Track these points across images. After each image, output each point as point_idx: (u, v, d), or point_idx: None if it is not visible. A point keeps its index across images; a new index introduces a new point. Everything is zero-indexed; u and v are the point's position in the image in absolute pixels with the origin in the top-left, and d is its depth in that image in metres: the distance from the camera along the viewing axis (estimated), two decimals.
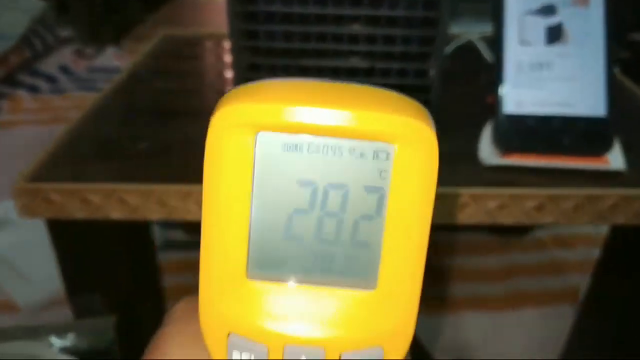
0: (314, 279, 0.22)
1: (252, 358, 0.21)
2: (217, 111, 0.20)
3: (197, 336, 0.22)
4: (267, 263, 0.21)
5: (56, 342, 0.67)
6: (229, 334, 0.21)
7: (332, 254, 0.21)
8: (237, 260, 0.21)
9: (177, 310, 0.24)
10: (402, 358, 0.22)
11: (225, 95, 0.21)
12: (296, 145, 0.20)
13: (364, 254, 0.21)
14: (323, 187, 0.21)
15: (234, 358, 0.21)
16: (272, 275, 0.21)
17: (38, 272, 1.23)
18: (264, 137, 0.20)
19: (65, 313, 0.78)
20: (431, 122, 0.20)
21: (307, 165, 0.20)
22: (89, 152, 0.65)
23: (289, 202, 0.21)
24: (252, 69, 0.62)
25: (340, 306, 0.21)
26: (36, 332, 0.68)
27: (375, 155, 0.20)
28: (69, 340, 0.68)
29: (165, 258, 1.29)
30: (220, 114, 0.20)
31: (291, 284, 0.22)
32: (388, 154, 0.20)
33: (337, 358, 0.21)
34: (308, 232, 0.21)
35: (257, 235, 0.21)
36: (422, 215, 0.20)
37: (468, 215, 0.59)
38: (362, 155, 0.20)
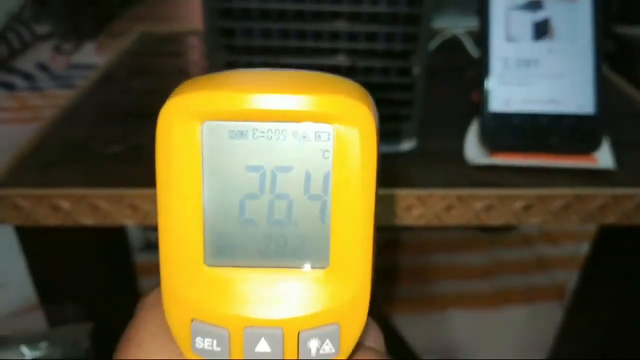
0: (270, 261, 0.22)
1: (214, 343, 0.22)
2: (165, 103, 0.21)
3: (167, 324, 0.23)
4: (223, 249, 0.22)
5: (27, 353, 0.65)
6: (191, 321, 0.22)
7: (284, 235, 0.22)
8: (194, 248, 0.22)
9: (148, 300, 0.25)
10: (357, 336, 0.23)
11: (177, 88, 0.22)
12: (242, 132, 0.21)
13: (315, 233, 0.22)
14: (271, 171, 0.22)
15: (197, 345, 0.22)
16: (229, 260, 0.22)
17: (10, 278, 1.20)
18: (210, 126, 0.21)
19: (39, 320, 0.76)
20: (369, 101, 0.21)
21: (254, 151, 0.21)
22: (58, 155, 0.62)
23: (240, 187, 0.22)
24: (229, 68, 0.60)
25: (295, 286, 0.22)
26: (6, 342, 0.66)
27: (317, 136, 0.21)
28: (41, 351, 0.65)
29: (144, 259, 1.26)
30: (167, 106, 0.21)
31: (248, 268, 0.23)
32: (328, 134, 0.21)
33: (296, 337, 0.22)
34: (260, 216, 0.22)
35: (211, 223, 0.22)
36: (365, 191, 0.21)
37: (454, 217, 0.57)
38: (304, 137, 0.21)
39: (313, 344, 0.22)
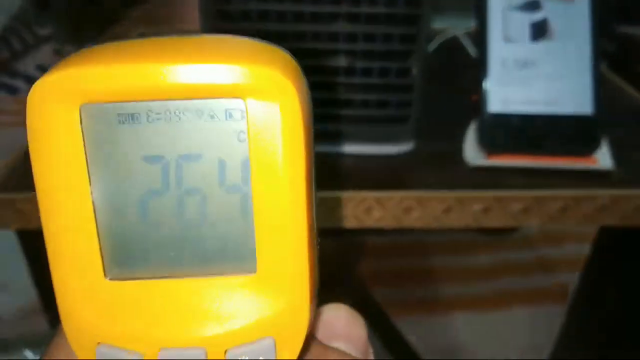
0: (183, 269, 0.19)
1: None
2: (34, 84, 0.17)
3: None
4: (126, 258, 0.19)
5: (30, 355, 0.65)
6: (97, 345, 0.19)
7: (200, 237, 0.19)
8: (90, 259, 0.19)
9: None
10: (298, 350, 0.19)
11: (53, 65, 0.18)
12: (132, 115, 0.17)
13: (236, 232, 0.19)
14: (175, 161, 0.18)
15: None
16: (135, 271, 0.19)
17: (13, 282, 1.20)
18: (90, 109, 0.17)
19: (42, 323, 0.76)
20: (292, 69, 0.18)
21: (151, 138, 0.18)
22: None
23: (138, 184, 0.18)
24: None
25: (218, 297, 0.19)
26: (9, 345, 0.66)
27: (228, 114, 0.18)
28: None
29: None
30: (36, 86, 0.17)
31: (159, 279, 0.19)
32: (242, 112, 0.18)
33: (222, 356, 0.19)
34: (167, 216, 0.18)
35: (106, 228, 0.18)
36: (292, 180, 0.18)
37: (453, 219, 0.57)
38: (212, 117, 0.18)
39: None
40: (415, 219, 0.57)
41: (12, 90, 2.27)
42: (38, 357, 0.64)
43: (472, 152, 0.60)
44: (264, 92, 0.17)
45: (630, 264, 0.79)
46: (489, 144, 0.60)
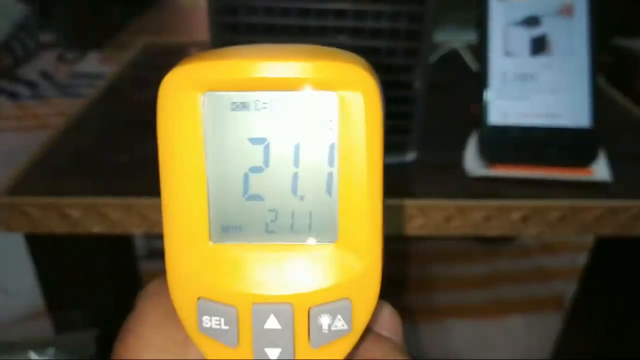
0: (277, 237, 0.22)
1: (222, 321, 0.21)
2: (166, 75, 0.20)
3: (170, 313, 0.22)
4: (228, 225, 0.22)
5: (35, 357, 0.66)
6: (197, 299, 0.22)
7: (290, 209, 0.22)
8: (199, 224, 0.21)
9: (148, 289, 0.24)
10: (370, 312, 0.22)
11: (180, 61, 0.21)
12: (243, 103, 0.21)
13: (322, 206, 0.22)
14: (275, 142, 0.21)
15: (203, 324, 0.21)
16: (235, 236, 0.22)
17: (18, 285, 1.21)
18: (211, 97, 0.21)
19: (47, 326, 0.77)
20: (370, 68, 0.21)
21: (257, 123, 0.21)
22: (68, 164, 0.63)
23: (243, 161, 0.21)
24: None
25: (304, 261, 0.22)
26: (14, 348, 0.67)
27: (321, 104, 0.21)
28: (48, 355, 0.66)
29: (149, 268, 1.27)
30: (168, 77, 0.20)
31: (255, 244, 0.22)
32: (332, 103, 0.21)
33: (306, 313, 0.21)
34: (265, 190, 0.21)
35: (215, 198, 0.21)
36: (371, 162, 0.21)
37: (454, 227, 0.59)
38: (308, 106, 0.21)
39: (324, 320, 0.22)
40: (417, 227, 0.58)
41: (14, 96, 2.27)
42: (42, 359, 0.65)
43: (473, 163, 0.62)
44: (352, 85, 0.20)
45: (627, 274, 0.80)
46: (489, 155, 0.61)
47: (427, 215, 0.58)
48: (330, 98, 0.20)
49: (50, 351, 0.65)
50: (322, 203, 0.21)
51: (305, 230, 0.22)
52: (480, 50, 0.62)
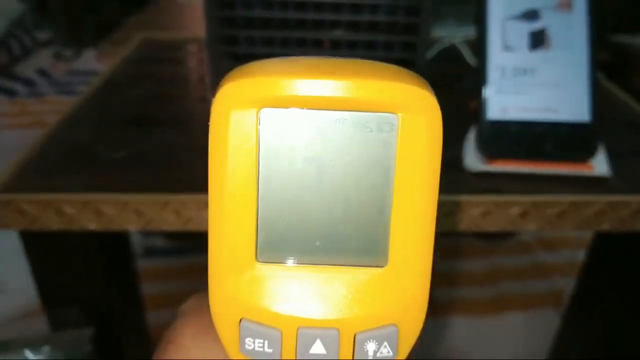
0: (325, 258, 0.21)
1: (265, 344, 0.21)
2: (219, 89, 0.20)
3: (210, 327, 0.22)
4: (276, 245, 0.21)
5: (30, 355, 0.65)
6: (240, 320, 0.21)
7: (341, 232, 0.21)
8: (247, 243, 0.21)
9: (188, 305, 0.25)
10: (415, 338, 0.22)
11: (228, 73, 0.20)
12: (300, 121, 0.20)
13: (373, 230, 0.21)
14: (329, 163, 0.20)
15: (246, 346, 0.21)
16: (282, 257, 0.21)
17: (13, 282, 1.20)
18: (267, 113, 0.20)
19: (42, 324, 0.76)
20: (430, 88, 0.20)
21: (312, 141, 0.20)
22: (63, 161, 0.63)
23: (296, 180, 0.20)
24: None
25: (352, 285, 0.21)
26: (9, 346, 0.66)
27: (380, 127, 0.20)
28: (44, 354, 0.66)
29: (145, 265, 1.27)
30: (222, 92, 0.20)
31: (302, 265, 0.21)
32: (392, 125, 0.20)
33: (352, 338, 0.21)
34: (316, 210, 0.21)
35: (265, 216, 0.21)
36: (429, 186, 0.20)
37: (453, 223, 0.58)
38: (366, 127, 0.20)
39: (370, 346, 0.21)
40: None
41: (11, 93, 2.27)
42: (37, 358, 0.64)
43: (472, 158, 0.61)
44: (415, 108, 0.20)
45: (626, 269, 0.80)
46: (488, 150, 0.61)
47: None
48: (390, 120, 0.20)
49: (46, 350, 0.65)
50: (373, 226, 0.21)
51: (355, 253, 0.21)
52: (479, 45, 0.62)
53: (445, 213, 0.57)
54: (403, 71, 0.20)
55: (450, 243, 1.42)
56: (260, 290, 0.21)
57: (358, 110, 0.20)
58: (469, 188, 0.59)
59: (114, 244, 0.83)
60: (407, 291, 0.21)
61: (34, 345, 0.66)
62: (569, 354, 0.97)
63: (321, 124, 0.20)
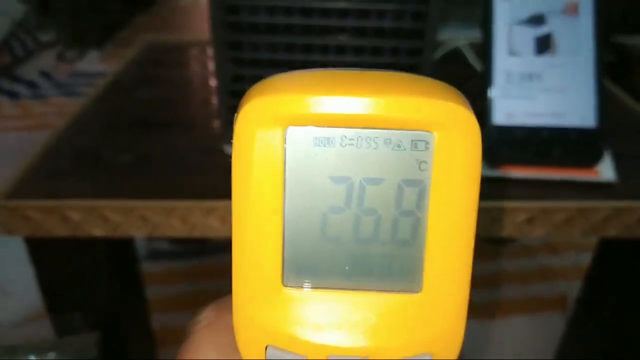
0: (355, 283, 0.20)
1: None
2: (243, 105, 0.19)
3: (228, 349, 0.21)
4: (303, 268, 0.20)
5: None
6: (266, 347, 0.20)
7: (372, 255, 0.20)
8: (272, 266, 0.20)
9: (202, 319, 0.23)
10: None
11: (251, 88, 0.20)
12: (328, 139, 0.19)
13: (407, 253, 0.20)
14: (359, 182, 0.19)
15: None
16: (310, 281, 0.20)
17: (18, 286, 1.20)
18: (294, 131, 0.19)
19: (48, 328, 0.76)
20: (469, 104, 0.19)
21: (341, 160, 0.19)
22: (68, 166, 0.63)
23: (324, 200, 0.20)
24: (236, 81, 0.61)
25: (383, 312, 0.20)
26: (14, 351, 0.66)
27: (414, 145, 0.19)
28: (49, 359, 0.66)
29: (150, 269, 1.27)
30: (247, 109, 0.19)
31: (331, 290, 0.20)
32: (427, 144, 0.19)
33: None
34: (345, 232, 0.20)
35: (291, 238, 0.20)
36: (467, 208, 0.19)
37: None
38: (399, 146, 0.19)
39: None
40: None
41: (14, 95, 2.27)
42: None
43: None
44: (451, 126, 0.18)
45: (631, 273, 0.80)
46: (493, 156, 0.60)
47: None
48: (425, 138, 0.19)
49: (51, 355, 0.65)
50: (407, 250, 0.20)
51: (386, 278, 0.20)
52: (485, 50, 0.62)
53: None
54: (437, 85, 0.19)
55: None
56: (287, 316, 0.20)
57: (390, 129, 0.19)
58: None
59: (119, 248, 0.83)
60: (442, 319, 0.20)
61: (40, 351, 0.66)
62: (573, 358, 0.97)
63: (350, 143, 0.19)
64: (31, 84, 2.33)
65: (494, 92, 0.61)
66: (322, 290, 0.20)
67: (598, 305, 0.89)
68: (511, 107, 0.61)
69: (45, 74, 2.39)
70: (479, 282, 1.32)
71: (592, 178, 0.60)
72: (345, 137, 0.19)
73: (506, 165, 0.61)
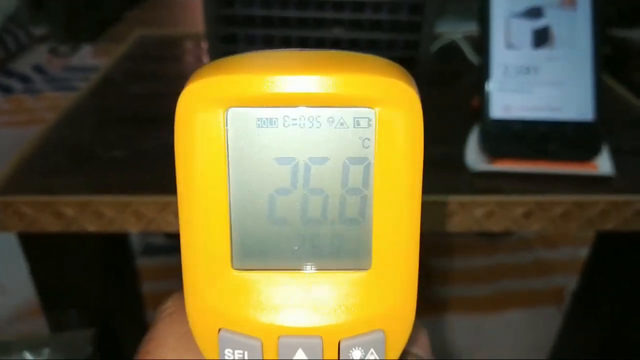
0: (304, 263, 0.20)
1: (245, 354, 0.20)
2: (184, 88, 0.19)
3: (187, 335, 0.21)
4: (252, 251, 0.20)
5: (30, 357, 0.65)
6: (219, 330, 0.20)
7: (320, 234, 0.20)
8: (220, 250, 0.20)
9: (166, 309, 0.23)
10: (404, 343, 0.21)
11: (194, 72, 0.19)
12: (271, 120, 0.19)
13: (355, 231, 0.20)
14: (304, 162, 0.19)
15: (225, 356, 0.20)
16: (259, 263, 0.20)
17: (12, 282, 1.20)
18: (235, 113, 0.19)
19: (42, 324, 0.76)
20: (412, 81, 0.19)
21: (285, 141, 0.19)
22: (61, 161, 0.62)
23: (269, 182, 0.20)
24: None
25: (334, 290, 0.20)
26: (8, 348, 0.66)
27: (356, 122, 0.19)
28: (44, 356, 0.65)
29: (145, 263, 1.26)
30: (187, 91, 0.19)
31: (281, 271, 0.20)
32: (369, 120, 0.19)
33: (336, 346, 0.20)
34: (292, 213, 0.20)
35: (238, 221, 0.20)
36: (411, 184, 0.19)
37: (456, 223, 0.58)
38: (341, 124, 0.19)
39: (356, 354, 0.20)
40: None
41: (6, 90, 2.25)
42: (38, 359, 0.64)
43: (474, 158, 0.61)
44: (392, 102, 0.18)
45: (628, 267, 0.80)
46: (490, 150, 0.60)
47: (428, 211, 0.57)
48: (367, 115, 0.19)
49: (46, 352, 0.64)
50: (354, 228, 0.20)
51: (335, 257, 0.20)
52: (482, 43, 0.61)
53: (449, 213, 0.57)
54: (381, 62, 0.19)
55: (451, 240, 1.42)
56: (238, 299, 0.20)
57: (332, 106, 0.19)
58: (472, 188, 0.58)
59: (113, 243, 0.83)
60: (392, 295, 0.20)
61: (34, 347, 0.65)
62: (570, 352, 0.97)
63: (293, 123, 0.19)
64: (24, 79, 2.32)
65: (491, 86, 0.60)
66: (272, 271, 0.20)
67: (595, 299, 0.89)
68: (508, 101, 0.60)
69: (39, 69, 2.38)
70: (476, 275, 1.33)
71: (589, 172, 0.60)
72: (288, 117, 0.19)
73: (503, 158, 0.60)
